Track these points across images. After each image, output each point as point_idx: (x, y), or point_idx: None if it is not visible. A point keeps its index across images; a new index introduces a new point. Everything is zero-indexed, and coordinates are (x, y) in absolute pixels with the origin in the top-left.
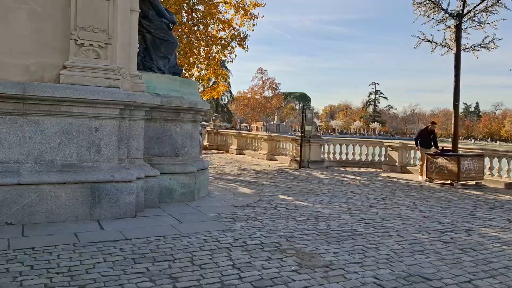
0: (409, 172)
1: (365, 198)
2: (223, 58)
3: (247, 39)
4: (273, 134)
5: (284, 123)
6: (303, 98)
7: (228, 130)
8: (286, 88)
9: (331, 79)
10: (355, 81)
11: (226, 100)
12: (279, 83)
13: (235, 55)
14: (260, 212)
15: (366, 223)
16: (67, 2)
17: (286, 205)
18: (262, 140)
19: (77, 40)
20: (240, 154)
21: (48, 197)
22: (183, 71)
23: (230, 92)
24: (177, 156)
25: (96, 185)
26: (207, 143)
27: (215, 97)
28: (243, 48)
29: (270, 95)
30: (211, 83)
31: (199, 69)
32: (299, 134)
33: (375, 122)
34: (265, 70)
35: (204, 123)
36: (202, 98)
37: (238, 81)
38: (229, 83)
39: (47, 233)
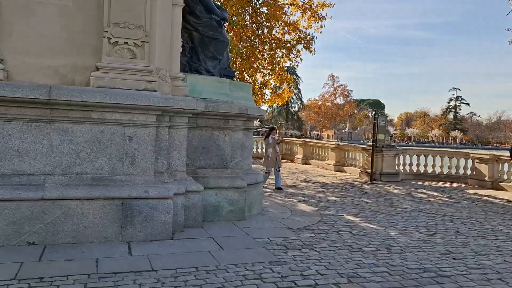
0: (502, 189)
1: (450, 221)
2: (288, 62)
3: (314, 41)
4: (341, 143)
5: (356, 131)
6: (377, 105)
7: (294, 139)
8: (359, 95)
9: (407, 86)
10: (433, 87)
11: (296, 107)
12: (351, 90)
13: (301, 59)
14: (319, 237)
15: (454, 258)
16: None
17: (351, 229)
18: (330, 149)
19: (110, 38)
20: (305, 164)
21: (75, 214)
22: (246, 76)
23: (300, 99)
24: (225, 169)
25: (128, 202)
26: None
27: (280, 103)
28: (310, 51)
29: (342, 102)
30: (276, 89)
31: (262, 75)
32: (371, 143)
33: (456, 130)
34: (336, 77)
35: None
36: (265, 105)
37: (308, 89)
38: (299, 90)
39: (67, 257)
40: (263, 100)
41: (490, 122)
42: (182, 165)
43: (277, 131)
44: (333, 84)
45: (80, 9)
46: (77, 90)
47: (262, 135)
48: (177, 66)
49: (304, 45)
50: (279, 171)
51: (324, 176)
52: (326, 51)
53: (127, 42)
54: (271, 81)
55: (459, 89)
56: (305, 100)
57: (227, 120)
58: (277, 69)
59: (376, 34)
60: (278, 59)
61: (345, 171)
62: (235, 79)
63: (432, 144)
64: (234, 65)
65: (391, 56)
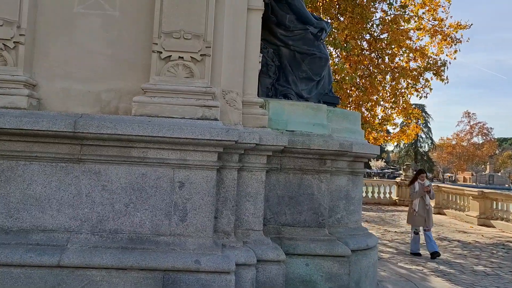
0: None
1: None
2: (415, 94)
3: (446, 68)
4: (487, 190)
5: (499, 174)
6: None
7: None
8: (500, 134)
9: None
10: None
11: (426, 147)
12: (491, 128)
13: (430, 89)
14: None
15: None
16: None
17: None
18: (471, 197)
19: (161, 52)
20: (439, 213)
21: None
22: (364, 111)
23: (431, 138)
24: (321, 228)
25: (171, 275)
26: (396, 198)
27: (405, 141)
28: (442, 80)
29: (480, 142)
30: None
31: (383, 108)
32: None
33: None
34: (473, 114)
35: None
36: (389, 144)
37: (440, 127)
38: (429, 129)
39: None
40: (385, 137)
41: None
42: (257, 221)
43: (404, 173)
44: (469, 122)
45: (128, 19)
46: (110, 120)
47: (388, 177)
48: (254, 89)
49: (434, 72)
50: (429, 230)
51: (465, 232)
52: (459, 86)
53: (182, 57)
54: (394, 115)
55: None
56: (436, 140)
57: (324, 161)
58: (401, 102)
59: None
60: (402, 90)
61: (493, 226)
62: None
63: None
64: (350, 98)
65: None
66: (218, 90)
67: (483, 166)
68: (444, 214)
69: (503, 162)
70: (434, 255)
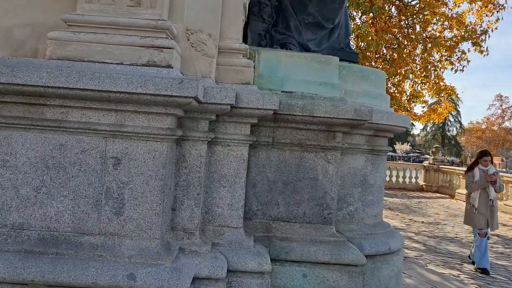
0: None
1: None
2: (448, 67)
3: (487, 36)
4: None
5: None
6: None
7: (454, 168)
8: None
9: None
10: None
11: (455, 131)
12: None
13: (468, 61)
14: None
15: None
16: None
17: None
18: (510, 184)
19: None
20: None
21: None
22: (390, 86)
23: (459, 122)
24: (326, 225)
25: None
26: (423, 183)
27: (436, 121)
28: (481, 51)
29: None
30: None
31: (412, 83)
32: None
33: None
34: (505, 97)
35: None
36: (417, 123)
37: (469, 112)
38: (458, 112)
39: None
40: (414, 117)
41: None
42: (236, 215)
43: (433, 156)
44: (501, 105)
45: None
46: (9, 64)
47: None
48: (237, 32)
49: (474, 41)
50: (488, 237)
51: (504, 225)
52: (491, 69)
53: None
54: (424, 92)
55: None
56: (465, 124)
57: (333, 134)
58: (432, 76)
59: None
60: (435, 63)
61: None
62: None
63: None
64: None
65: None
66: (180, 27)
67: None
68: None
69: None
70: (483, 271)
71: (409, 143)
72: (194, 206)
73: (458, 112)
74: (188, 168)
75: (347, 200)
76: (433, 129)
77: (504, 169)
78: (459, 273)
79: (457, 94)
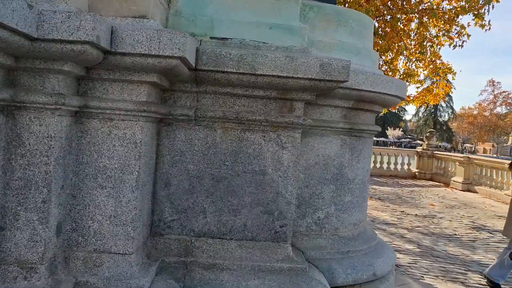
0: None
1: None
2: (445, 44)
3: (491, 7)
4: None
5: None
6: None
7: (450, 154)
8: None
9: None
10: None
11: (446, 116)
12: None
13: (468, 35)
14: None
15: None
16: None
17: None
18: None
19: None
20: (468, 191)
21: None
22: (380, 63)
23: (451, 107)
24: (278, 242)
25: None
26: (416, 170)
27: (432, 102)
28: (482, 25)
29: (504, 112)
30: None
31: (407, 61)
32: None
33: None
34: (497, 83)
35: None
36: (410, 106)
37: (461, 97)
38: (450, 98)
39: None
40: (407, 98)
41: None
42: (122, 234)
43: (426, 142)
44: (493, 91)
45: None
46: None
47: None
48: None
49: (475, 13)
50: None
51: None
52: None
53: None
54: (419, 70)
55: None
56: (457, 109)
57: (289, 103)
58: (428, 53)
59: None
60: (433, 39)
61: None
62: None
63: None
64: None
65: None
66: None
67: (505, 137)
68: (475, 191)
69: None
70: (494, 286)
71: (401, 129)
72: (37, 222)
73: (450, 98)
74: (27, 157)
75: (314, 203)
76: (425, 114)
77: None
78: (464, 282)
79: (455, 73)
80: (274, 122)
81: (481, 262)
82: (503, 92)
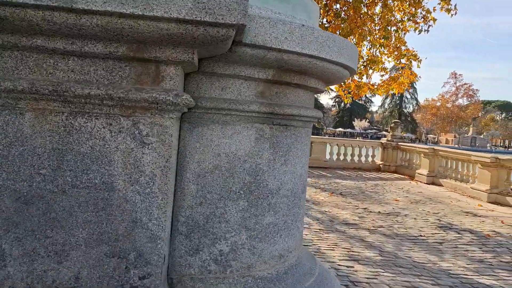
0: None
1: None
2: (410, 29)
3: None
4: (503, 157)
5: (481, 136)
6: (507, 108)
7: (414, 145)
8: (485, 97)
9: None
10: None
11: (411, 108)
12: (477, 90)
13: (434, 20)
14: None
15: None
16: None
17: None
18: (480, 165)
19: None
20: (433, 184)
21: None
22: None
23: (416, 99)
24: None
25: None
26: (380, 162)
27: (396, 92)
28: (448, 10)
29: (465, 104)
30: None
31: (370, 46)
32: None
33: None
34: (459, 75)
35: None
36: (370, 103)
37: (425, 89)
38: (415, 89)
39: None
40: (371, 87)
41: None
42: None
43: (391, 132)
44: (455, 83)
45: None
46: None
47: (371, 138)
48: None
49: None
50: None
51: (475, 215)
52: (447, 49)
53: None
54: (383, 58)
55: None
56: (421, 101)
57: (153, 65)
58: (393, 39)
59: (506, 30)
60: (398, 24)
61: (510, 205)
62: None
63: None
64: (324, 29)
65: None
66: None
67: (466, 128)
68: (440, 184)
69: (486, 124)
70: None
71: (367, 120)
72: None
73: (415, 89)
74: None
75: (213, 230)
76: (391, 105)
77: (456, 145)
78: None
79: (420, 60)
80: (126, 100)
81: (451, 272)
82: (465, 84)
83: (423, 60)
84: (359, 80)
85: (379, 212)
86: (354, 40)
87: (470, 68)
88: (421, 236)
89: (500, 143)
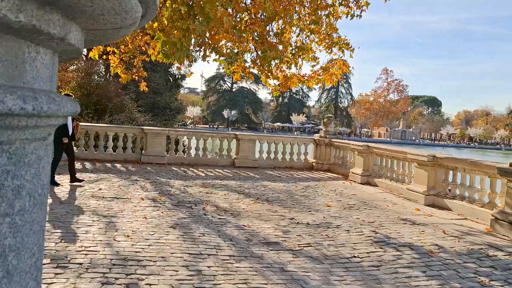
0: None
1: None
2: (342, 16)
3: None
4: (440, 155)
5: (411, 130)
6: (433, 103)
7: (348, 142)
8: (413, 93)
9: (467, 84)
10: (498, 85)
11: (346, 103)
12: (406, 85)
13: (367, 3)
14: None
15: None
16: None
17: None
18: (416, 163)
19: None
20: (368, 184)
21: None
22: (272, 37)
23: (351, 94)
24: None
25: None
26: (313, 160)
27: (328, 84)
28: None
29: (396, 98)
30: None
31: (299, 31)
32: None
33: None
34: (390, 71)
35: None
36: (299, 95)
37: (359, 85)
38: (349, 85)
39: None
40: (301, 78)
41: None
42: None
43: (324, 128)
44: (387, 79)
45: None
46: None
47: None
48: None
49: None
50: None
51: (413, 223)
52: (378, 46)
53: None
54: (314, 46)
55: None
56: (355, 96)
57: None
58: (324, 26)
59: (434, 29)
60: (328, 10)
61: (448, 208)
62: None
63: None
64: (245, 13)
65: (450, 52)
66: None
67: (397, 122)
68: (375, 185)
69: (414, 118)
70: None
71: (305, 115)
72: None
73: (350, 85)
74: None
75: None
76: (327, 100)
77: (388, 139)
78: None
79: (353, 49)
80: None
81: None
82: (396, 80)
83: (356, 50)
84: (288, 70)
85: (307, 223)
86: (282, 24)
87: (400, 65)
88: (354, 257)
89: (427, 136)
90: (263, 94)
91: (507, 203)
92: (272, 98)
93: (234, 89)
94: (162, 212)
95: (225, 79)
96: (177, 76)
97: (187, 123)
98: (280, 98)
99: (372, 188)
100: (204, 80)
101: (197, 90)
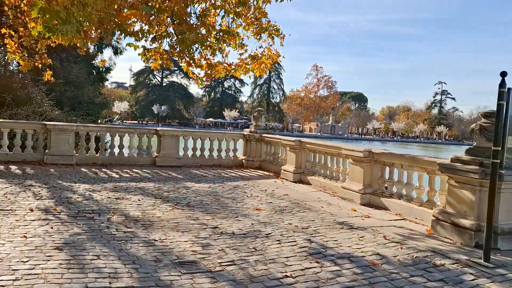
0: None
1: None
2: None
3: None
4: (377, 151)
5: (339, 125)
6: (360, 99)
7: (280, 137)
8: (341, 89)
9: (390, 80)
10: (416, 82)
11: (278, 98)
12: (335, 81)
13: None
14: None
15: None
16: None
17: None
18: (351, 159)
19: None
20: (301, 182)
21: None
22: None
23: (282, 90)
24: None
25: None
26: (243, 157)
27: (258, 74)
28: None
29: (326, 94)
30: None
31: (224, 14)
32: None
33: (441, 126)
34: (320, 67)
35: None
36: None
37: (290, 82)
38: (281, 80)
39: None
40: (228, 67)
41: (471, 118)
42: None
43: (254, 123)
44: (317, 75)
45: None
46: None
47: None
48: None
49: None
50: None
51: (351, 228)
52: (307, 44)
53: None
54: (240, 31)
55: (445, 83)
56: (287, 92)
57: None
58: (252, 9)
59: (357, 29)
60: None
61: (385, 208)
62: None
63: (417, 139)
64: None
65: (373, 51)
66: None
67: (326, 117)
68: (308, 183)
69: (343, 114)
70: None
71: (237, 110)
72: None
73: (281, 80)
74: None
75: None
76: (259, 96)
77: (318, 133)
78: None
79: (283, 36)
80: None
81: None
82: (325, 76)
83: (286, 47)
84: (213, 58)
85: (233, 233)
86: (205, 5)
87: (328, 62)
88: (287, 276)
89: (355, 130)
90: (195, 89)
91: (448, 202)
92: (204, 93)
93: (164, 84)
94: (51, 227)
95: (155, 73)
96: (101, 68)
97: (114, 119)
98: (213, 93)
99: (305, 187)
100: (133, 74)
101: (125, 85)
